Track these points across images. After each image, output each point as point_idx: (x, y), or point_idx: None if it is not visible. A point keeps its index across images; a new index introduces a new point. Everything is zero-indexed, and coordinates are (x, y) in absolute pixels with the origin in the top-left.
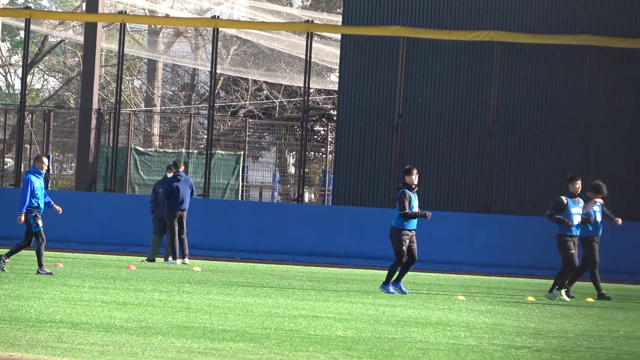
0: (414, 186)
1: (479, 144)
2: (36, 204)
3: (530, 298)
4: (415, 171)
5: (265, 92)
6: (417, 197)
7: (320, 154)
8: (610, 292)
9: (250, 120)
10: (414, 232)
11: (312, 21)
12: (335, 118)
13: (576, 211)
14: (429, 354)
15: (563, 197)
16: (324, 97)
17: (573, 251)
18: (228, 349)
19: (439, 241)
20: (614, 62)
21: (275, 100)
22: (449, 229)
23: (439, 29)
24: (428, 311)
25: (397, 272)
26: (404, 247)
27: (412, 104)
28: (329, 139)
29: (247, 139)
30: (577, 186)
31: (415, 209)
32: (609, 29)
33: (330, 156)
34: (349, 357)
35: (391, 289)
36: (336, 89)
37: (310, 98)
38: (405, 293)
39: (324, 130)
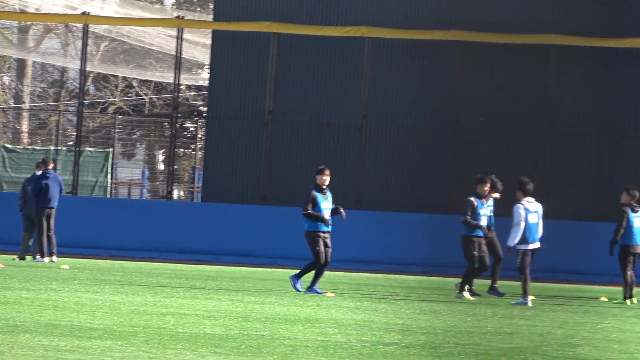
0: (323, 187)
1: (348, 139)
2: None
3: (399, 294)
4: (327, 171)
5: (135, 88)
6: (328, 198)
7: (190, 150)
8: (546, 292)
9: (120, 117)
10: (328, 233)
11: (182, 17)
12: (205, 114)
13: (484, 212)
14: (298, 351)
15: (472, 199)
16: (194, 93)
17: (475, 252)
18: (96, 347)
19: None
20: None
21: (145, 97)
22: None
23: (310, 25)
24: (297, 308)
25: (313, 274)
26: (318, 248)
27: (283, 100)
28: (199, 136)
29: (117, 135)
30: (486, 188)
31: (325, 210)
32: (477, 24)
33: (200, 153)
34: (217, 354)
35: (298, 285)
36: (207, 85)
37: (180, 94)
38: (320, 294)
39: (193, 127)
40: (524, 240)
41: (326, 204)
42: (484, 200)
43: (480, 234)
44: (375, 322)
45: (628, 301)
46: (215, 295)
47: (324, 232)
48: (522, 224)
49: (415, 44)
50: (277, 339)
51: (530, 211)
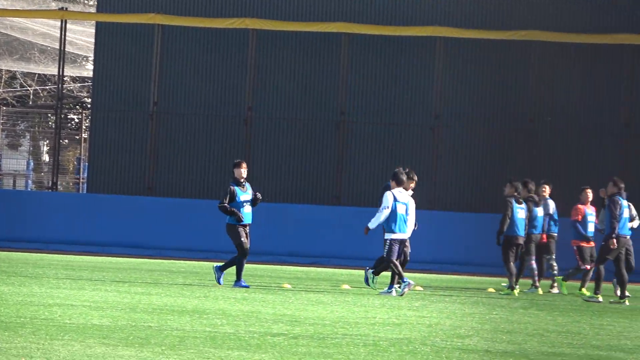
0: (241, 180)
1: (235, 130)
2: None
3: (286, 285)
4: (244, 165)
5: (19, 79)
6: (246, 191)
7: (75, 142)
8: (434, 283)
9: (4, 108)
10: (248, 226)
11: (66, 9)
12: (90, 106)
13: (245, 198)
14: (186, 342)
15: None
16: (79, 84)
17: (243, 239)
18: None
19: (196, 229)
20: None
21: (30, 88)
22: (207, 216)
23: (196, 17)
24: (184, 299)
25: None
26: (242, 239)
27: (168, 92)
28: (84, 127)
29: (1, 127)
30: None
31: (244, 202)
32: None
33: (85, 144)
34: (106, 345)
35: (243, 283)
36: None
37: (65, 86)
38: (247, 287)
39: (78, 118)
40: (390, 229)
41: (245, 196)
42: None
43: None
44: (263, 313)
45: (515, 292)
46: (102, 286)
47: (243, 226)
48: (387, 211)
49: (393, 40)
50: (165, 330)
51: (399, 201)
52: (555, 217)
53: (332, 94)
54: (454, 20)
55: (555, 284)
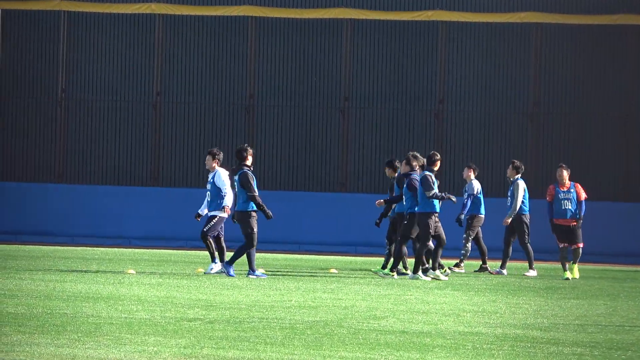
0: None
1: (142, 116)
2: None
3: (200, 270)
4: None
5: None
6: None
7: None
8: (349, 265)
9: None
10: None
11: None
12: None
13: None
14: (102, 329)
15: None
16: None
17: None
18: None
19: (106, 216)
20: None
21: None
22: (118, 202)
23: (98, 3)
24: (99, 286)
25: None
26: (256, 229)
27: (76, 78)
28: None
29: None
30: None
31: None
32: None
33: None
34: (22, 333)
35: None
36: None
37: None
38: (233, 276)
39: None
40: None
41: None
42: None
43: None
44: (178, 298)
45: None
46: (16, 274)
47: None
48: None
49: (298, 22)
50: (81, 317)
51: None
52: (480, 197)
53: (334, 80)
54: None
55: (462, 264)
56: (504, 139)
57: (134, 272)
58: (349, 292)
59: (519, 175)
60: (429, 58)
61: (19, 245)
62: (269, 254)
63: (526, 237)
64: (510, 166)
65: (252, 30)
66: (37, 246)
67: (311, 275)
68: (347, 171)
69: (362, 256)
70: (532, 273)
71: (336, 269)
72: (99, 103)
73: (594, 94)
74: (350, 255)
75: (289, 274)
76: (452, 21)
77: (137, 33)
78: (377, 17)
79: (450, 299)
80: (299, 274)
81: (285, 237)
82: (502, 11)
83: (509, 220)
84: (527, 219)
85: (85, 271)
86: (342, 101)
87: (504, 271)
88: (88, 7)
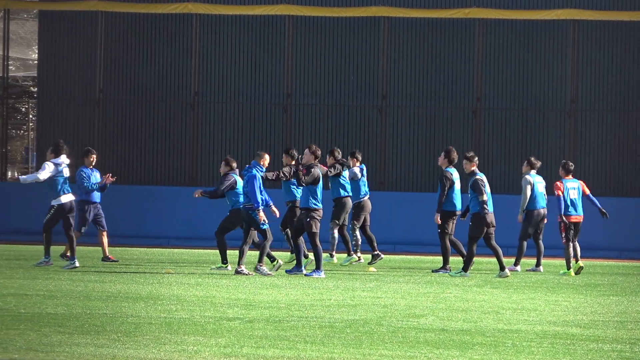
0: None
1: (181, 116)
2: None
3: (169, 270)
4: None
5: None
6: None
7: (22, 131)
8: (389, 264)
9: None
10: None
11: None
12: (36, 94)
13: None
14: (142, 328)
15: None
16: (23, 74)
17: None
18: None
19: (145, 216)
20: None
21: None
22: (157, 202)
23: (137, 3)
24: (138, 286)
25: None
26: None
27: (114, 78)
28: (31, 116)
29: None
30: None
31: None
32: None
33: (33, 133)
34: (61, 333)
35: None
36: (36, 64)
37: (10, 75)
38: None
39: (24, 108)
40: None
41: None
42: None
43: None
44: (218, 298)
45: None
46: (55, 275)
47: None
48: None
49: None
50: (120, 317)
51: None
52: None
53: (372, 78)
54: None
55: (356, 255)
56: (541, 136)
57: (173, 272)
58: (388, 290)
59: (533, 171)
60: (467, 55)
61: (59, 246)
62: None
63: (538, 233)
64: (525, 162)
65: (289, 29)
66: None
67: (350, 274)
68: (384, 169)
69: (401, 254)
70: (516, 269)
71: (375, 267)
72: (136, 103)
73: (634, 91)
74: (389, 254)
75: (328, 272)
76: (489, 18)
77: (175, 33)
78: (414, 15)
79: (489, 297)
80: (338, 272)
81: (323, 236)
82: (539, 8)
83: (521, 217)
84: (534, 215)
85: (125, 271)
86: (379, 99)
87: (518, 268)
88: (125, 8)
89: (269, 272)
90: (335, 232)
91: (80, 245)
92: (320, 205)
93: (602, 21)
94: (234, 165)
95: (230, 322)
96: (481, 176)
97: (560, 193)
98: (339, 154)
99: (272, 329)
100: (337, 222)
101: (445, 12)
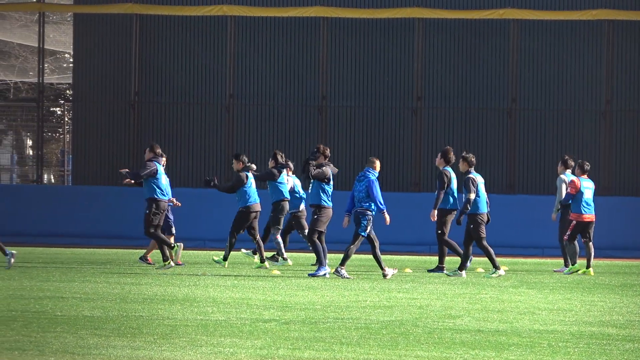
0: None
1: (216, 119)
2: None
3: (276, 272)
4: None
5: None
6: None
7: (58, 134)
8: (425, 265)
9: None
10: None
11: (43, 1)
12: (71, 97)
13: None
14: (178, 331)
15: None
16: (57, 76)
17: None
18: None
19: (180, 218)
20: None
21: (10, 82)
22: (191, 205)
23: (171, 5)
24: (174, 288)
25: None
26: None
27: (149, 81)
28: (66, 119)
29: None
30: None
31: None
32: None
33: (69, 136)
34: (98, 336)
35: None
36: (71, 67)
37: (45, 78)
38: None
39: (60, 111)
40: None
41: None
42: None
43: None
44: (254, 300)
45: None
46: (92, 277)
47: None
48: None
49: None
50: (156, 319)
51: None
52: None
53: (407, 79)
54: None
55: (280, 257)
56: (576, 136)
57: (209, 274)
58: (424, 291)
59: (568, 171)
60: (501, 56)
61: (94, 249)
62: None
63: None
64: (560, 162)
65: (324, 30)
66: (111, 249)
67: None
68: (420, 171)
69: (436, 255)
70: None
71: (411, 268)
72: (171, 106)
73: None
74: (424, 255)
75: (364, 274)
76: (524, 19)
77: (209, 35)
78: (448, 16)
79: (525, 297)
80: (374, 274)
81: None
82: (573, 9)
83: (555, 216)
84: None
85: (161, 273)
86: (414, 101)
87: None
88: (160, 10)
89: (349, 276)
90: (278, 236)
91: (117, 248)
92: (330, 203)
93: (637, 21)
94: (158, 151)
95: (266, 324)
96: (475, 175)
97: (575, 191)
98: (281, 158)
99: (308, 330)
100: (278, 227)
101: (480, 12)
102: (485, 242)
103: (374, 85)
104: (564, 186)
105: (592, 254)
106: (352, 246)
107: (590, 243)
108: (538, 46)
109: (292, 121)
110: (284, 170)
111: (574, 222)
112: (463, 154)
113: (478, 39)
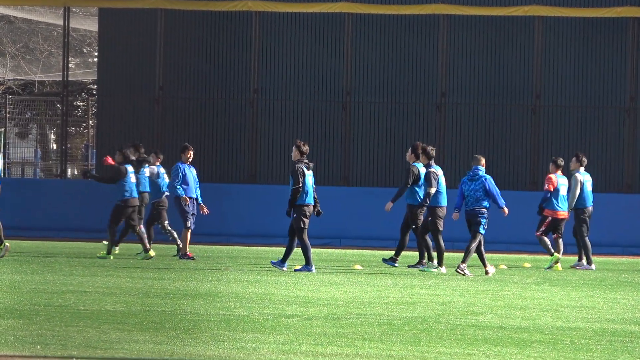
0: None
1: (240, 114)
2: None
3: (298, 266)
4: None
5: (24, 68)
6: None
7: (82, 128)
8: (448, 262)
9: (10, 96)
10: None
11: None
12: (95, 92)
13: None
14: (200, 325)
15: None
16: (82, 71)
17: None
18: None
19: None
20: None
21: (35, 76)
22: (217, 200)
23: (198, 1)
24: (197, 283)
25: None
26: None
27: (173, 76)
28: (90, 113)
29: (7, 115)
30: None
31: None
32: None
33: (92, 130)
34: (120, 330)
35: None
36: (96, 62)
37: (69, 72)
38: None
39: (84, 105)
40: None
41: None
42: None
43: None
44: (277, 295)
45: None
46: (115, 272)
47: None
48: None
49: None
50: (179, 314)
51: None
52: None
53: (431, 76)
54: None
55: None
56: (600, 133)
57: (233, 269)
58: (447, 287)
59: (582, 169)
60: (525, 53)
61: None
62: (366, 251)
63: (584, 231)
64: (574, 158)
65: (348, 27)
66: (135, 244)
67: (408, 272)
68: (444, 167)
69: (458, 252)
70: (591, 267)
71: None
72: (196, 101)
73: None
74: (448, 251)
75: (386, 270)
76: (548, 16)
77: (234, 30)
78: (473, 13)
79: (547, 294)
80: (396, 270)
81: (384, 234)
82: (598, 6)
83: (567, 214)
84: (586, 212)
85: (184, 268)
86: (438, 97)
87: (593, 266)
88: (185, 5)
89: (470, 274)
90: (142, 227)
91: (138, 243)
92: (309, 201)
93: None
94: (142, 151)
95: (288, 320)
96: (435, 169)
97: (552, 188)
98: (141, 150)
99: (330, 326)
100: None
101: (504, 9)
102: (440, 237)
103: (398, 81)
104: (578, 186)
105: (562, 249)
106: (472, 244)
107: (560, 240)
108: (562, 43)
109: (316, 117)
110: (144, 163)
111: (549, 218)
112: (422, 146)
113: (502, 36)
